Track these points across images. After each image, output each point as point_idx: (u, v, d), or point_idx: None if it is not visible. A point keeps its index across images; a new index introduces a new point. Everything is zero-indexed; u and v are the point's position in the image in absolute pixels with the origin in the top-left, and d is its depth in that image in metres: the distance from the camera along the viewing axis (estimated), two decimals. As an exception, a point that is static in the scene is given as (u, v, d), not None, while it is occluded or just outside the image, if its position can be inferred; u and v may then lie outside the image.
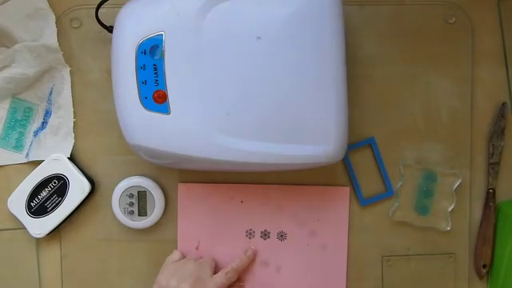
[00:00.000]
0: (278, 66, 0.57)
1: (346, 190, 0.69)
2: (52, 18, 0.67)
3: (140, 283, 0.69)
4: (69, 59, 0.68)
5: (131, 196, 0.67)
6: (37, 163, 0.67)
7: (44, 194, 0.67)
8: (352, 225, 0.69)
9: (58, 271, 0.70)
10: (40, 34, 0.67)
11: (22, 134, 0.70)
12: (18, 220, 0.68)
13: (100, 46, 0.68)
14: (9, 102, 0.69)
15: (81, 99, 0.68)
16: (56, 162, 0.67)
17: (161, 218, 0.68)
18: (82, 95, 0.68)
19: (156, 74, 0.57)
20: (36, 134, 0.69)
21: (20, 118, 0.69)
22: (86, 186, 0.67)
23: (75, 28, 0.68)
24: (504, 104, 0.68)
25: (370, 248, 0.69)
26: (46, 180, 0.67)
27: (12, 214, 0.68)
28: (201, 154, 0.57)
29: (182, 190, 0.69)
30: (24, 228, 0.68)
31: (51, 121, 0.68)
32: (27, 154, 0.69)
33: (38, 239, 0.69)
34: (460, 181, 0.68)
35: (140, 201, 0.68)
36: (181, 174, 0.69)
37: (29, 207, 0.67)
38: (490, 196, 0.68)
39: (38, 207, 0.67)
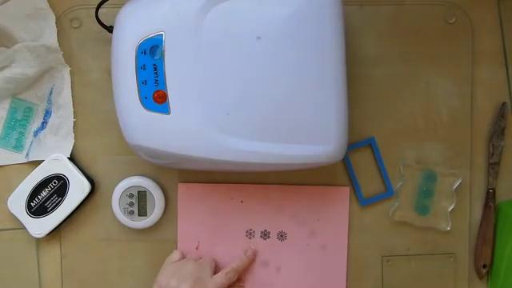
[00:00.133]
0: (278, 66, 0.57)
1: (346, 190, 0.69)
2: (52, 18, 0.67)
3: (140, 283, 0.69)
4: (69, 59, 0.68)
5: (131, 196, 0.67)
6: (37, 163, 0.67)
7: (44, 194, 0.67)
8: (352, 225, 0.69)
9: (58, 271, 0.70)
10: (40, 34, 0.67)
11: (22, 134, 0.70)
12: (18, 220, 0.68)
13: (100, 46, 0.68)
14: (9, 102, 0.69)
15: (81, 99, 0.68)
16: (56, 162, 0.67)
17: (161, 218, 0.68)
18: (82, 95, 0.68)
19: (156, 74, 0.57)
20: (36, 134, 0.69)
21: (20, 118, 0.69)
22: (86, 186, 0.67)
23: (75, 28, 0.68)
24: (504, 104, 0.68)
25: (370, 248, 0.69)
26: (46, 180, 0.67)
27: (12, 214, 0.68)
28: (201, 154, 0.57)
29: (182, 190, 0.69)
30: (24, 228, 0.68)
31: (51, 121, 0.68)
32: (27, 154, 0.69)
33: (38, 239, 0.69)
34: (460, 181, 0.68)
35: (140, 201, 0.68)
36: (181, 174, 0.69)
37: (29, 207, 0.67)
38: (490, 196, 0.68)
39: (38, 207, 0.67)
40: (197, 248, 0.69)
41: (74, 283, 0.70)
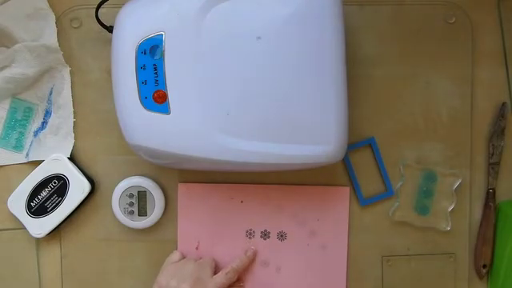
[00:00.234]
0: (278, 66, 0.57)
1: (346, 190, 0.69)
2: (52, 18, 0.67)
3: (140, 283, 0.69)
4: (69, 59, 0.68)
5: (131, 196, 0.67)
6: (37, 163, 0.67)
7: (44, 194, 0.67)
8: (352, 225, 0.69)
9: (58, 271, 0.70)
10: (40, 34, 0.67)
11: (22, 134, 0.70)
12: (18, 220, 0.68)
13: (100, 46, 0.68)
14: (9, 102, 0.69)
15: (81, 99, 0.68)
16: (56, 162, 0.67)
17: (161, 218, 0.68)
18: (82, 95, 0.68)
19: (156, 74, 0.57)
20: (36, 134, 0.69)
21: (20, 118, 0.69)
22: (85, 186, 0.67)
23: (75, 28, 0.68)
24: (504, 104, 0.68)
25: (370, 248, 0.69)
26: (46, 180, 0.67)
27: (12, 214, 0.68)
28: (201, 154, 0.57)
29: (182, 190, 0.69)
30: (24, 228, 0.68)
31: (51, 121, 0.68)
32: (27, 154, 0.69)
33: (38, 239, 0.69)
34: (460, 181, 0.68)
35: (140, 201, 0.68)
36: (181, 174, 0.69)
37: (29, 207, 0.67)
38: (490, 196, 0.68)
39: (38, 207, 0.67)
40: (197, 248, 0.69)
41: (74, 283, 0.70)
